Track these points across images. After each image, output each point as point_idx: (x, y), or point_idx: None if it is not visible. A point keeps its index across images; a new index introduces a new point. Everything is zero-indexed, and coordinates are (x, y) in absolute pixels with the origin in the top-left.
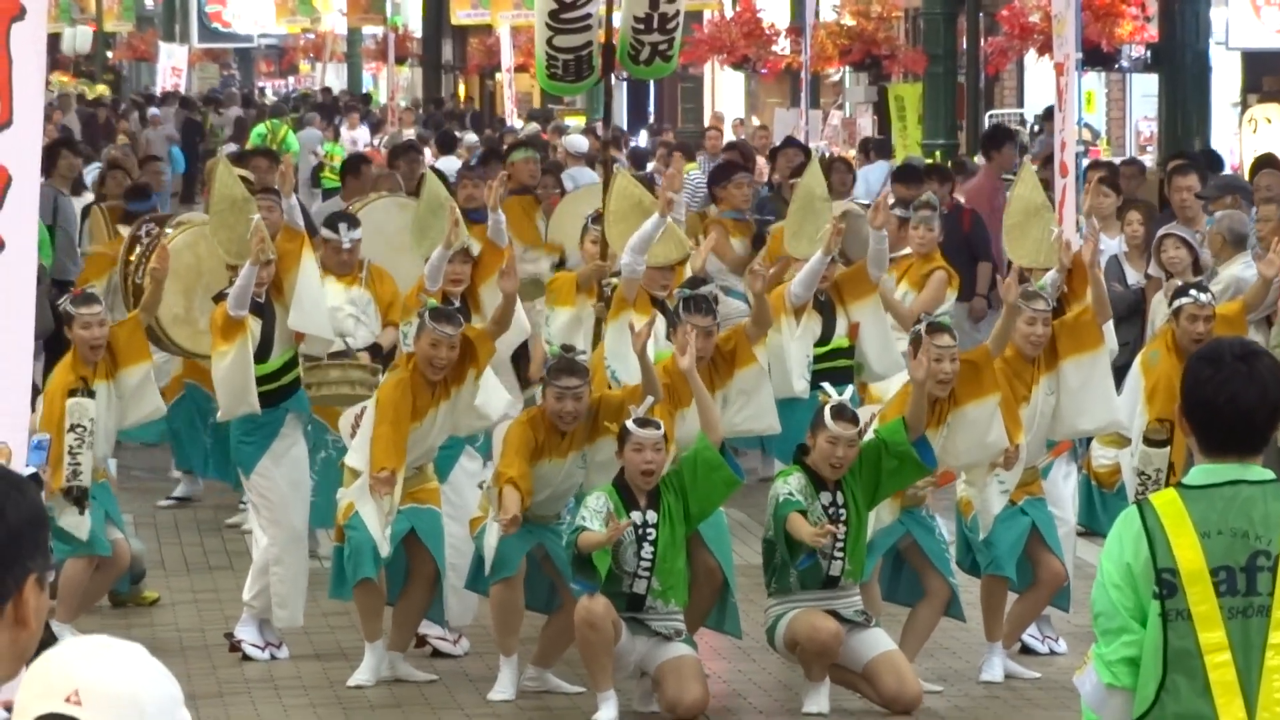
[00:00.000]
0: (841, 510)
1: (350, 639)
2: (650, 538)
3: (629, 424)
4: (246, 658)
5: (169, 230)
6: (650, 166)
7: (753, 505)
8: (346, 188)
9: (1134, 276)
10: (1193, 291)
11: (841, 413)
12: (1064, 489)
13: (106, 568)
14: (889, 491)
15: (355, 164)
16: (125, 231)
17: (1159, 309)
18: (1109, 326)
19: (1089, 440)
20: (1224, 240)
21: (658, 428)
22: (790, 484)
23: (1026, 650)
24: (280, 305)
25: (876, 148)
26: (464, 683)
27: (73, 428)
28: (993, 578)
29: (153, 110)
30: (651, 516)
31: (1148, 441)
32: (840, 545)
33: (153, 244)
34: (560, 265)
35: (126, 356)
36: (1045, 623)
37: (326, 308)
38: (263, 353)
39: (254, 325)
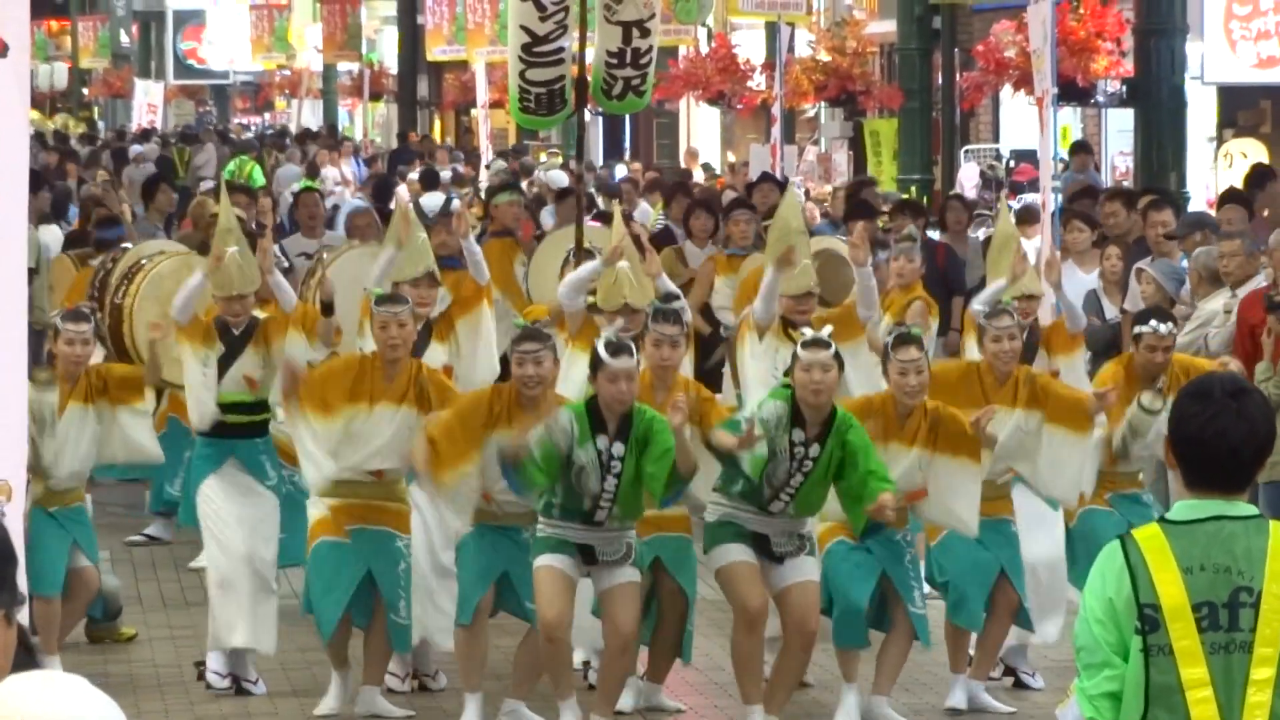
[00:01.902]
0: (809, 461)
1: (327, 675)
2: (615, 470)
3: (601, 351)
4: (210, 687)
5: (144, 261)
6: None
7: None
8: (301, 224)
9: (1111, 311)
10: (1153, 321)
11: (814, 341)
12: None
13: (75, 596)
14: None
15: (295, 198)
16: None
17: None
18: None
19: None
20: (1200, 276)
21: (631, 355)
22: (764, 409)
23: (1020, 685)
24: (253, 352)
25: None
26: (440, 718)
27: None
28: (957, 626)
29: (135, 148)
30: (618, 449)
31: (1144, 409)
32: (790, 491)
33: (107, 276)
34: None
35: (121, 395)
36: (1021, 656)
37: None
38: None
39: (219, 348)
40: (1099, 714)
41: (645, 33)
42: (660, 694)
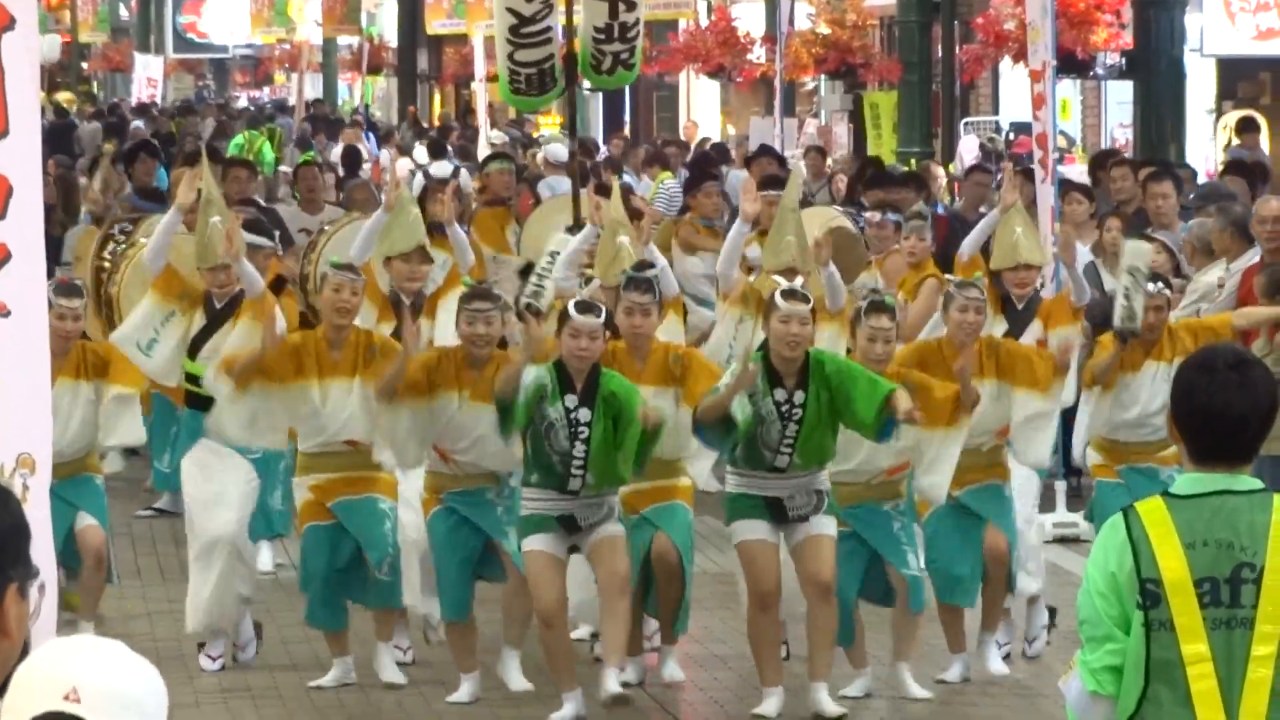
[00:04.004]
0: (797, 409)
1: (327, 649)
2: (583, 436)
3: (570, 308)
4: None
5: (142, 239)
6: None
7: (719, 514)
8: (300, 199)
9: (1111, 283)
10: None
11: (791, 294)
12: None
13: (86, 559)
14: (846, 424)
15: (295, 172)
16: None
17: None
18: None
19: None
20: (1195, 248)
21: (598, 315)
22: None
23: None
24: (234, 324)
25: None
26: (440, 691)
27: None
28: (948, 606)
29: (137, 124)
30: (584, 414)
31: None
32: (788, 442)
33: (127, 245)
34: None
35: (117, 374)
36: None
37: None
38: (192, 351)
39: (199, 320)
40: (1100, 687)
41: (631, 6)
42: (671, 657)
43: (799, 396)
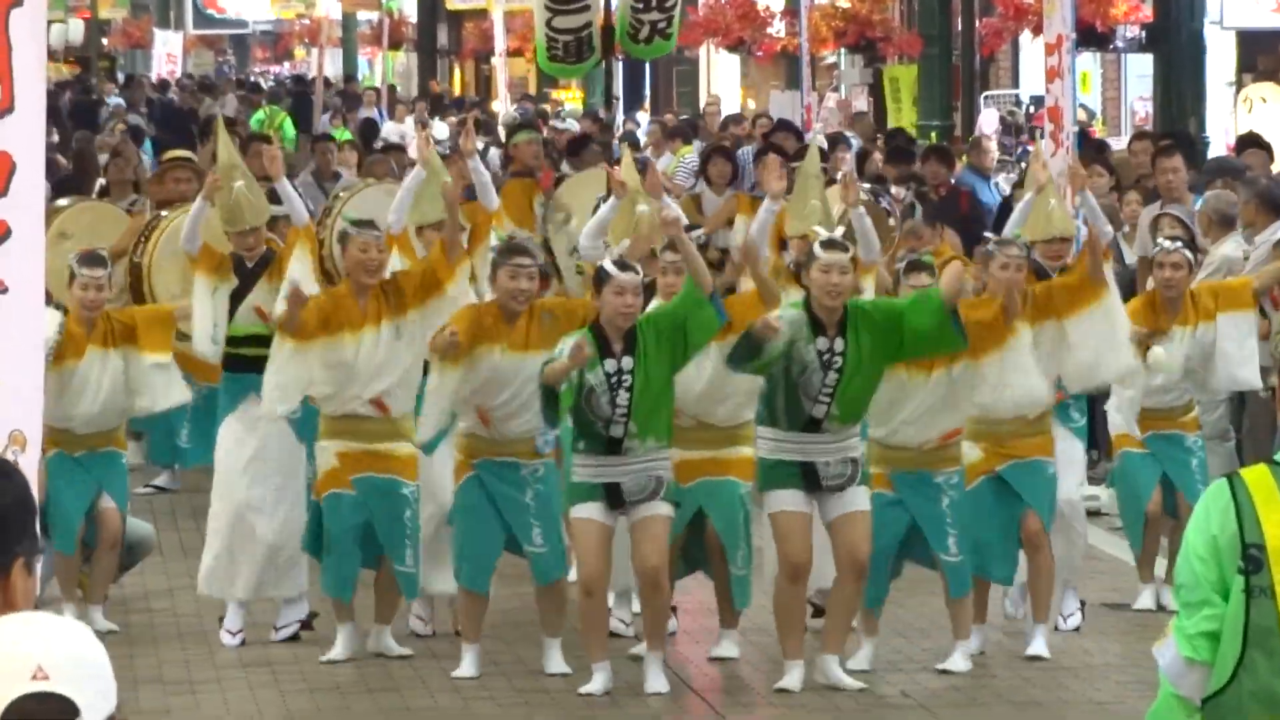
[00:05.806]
0: (838, 358)
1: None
2: (626, 384)
3: (608, 265)
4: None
5: (164, 214)
6: (647, 150)
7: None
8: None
9: (1132, 258)
10: (1161, 240)
11: (832, 243)
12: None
13: (99, 541)
14: (914, 351)
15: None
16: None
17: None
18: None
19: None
20: (1211, 220)
21: (637, 272)
22: (785, 314)
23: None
24: (266, 284)
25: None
26: (430, 662)
27: None
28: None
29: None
30: (627, 363)
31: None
32: (827, 391)
33: (152, 228)
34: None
35: (148, 342)
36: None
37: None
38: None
39: (232, 281)
40: (1196, 653)
41: None
42: (731, 638)
43: (839, 344)
